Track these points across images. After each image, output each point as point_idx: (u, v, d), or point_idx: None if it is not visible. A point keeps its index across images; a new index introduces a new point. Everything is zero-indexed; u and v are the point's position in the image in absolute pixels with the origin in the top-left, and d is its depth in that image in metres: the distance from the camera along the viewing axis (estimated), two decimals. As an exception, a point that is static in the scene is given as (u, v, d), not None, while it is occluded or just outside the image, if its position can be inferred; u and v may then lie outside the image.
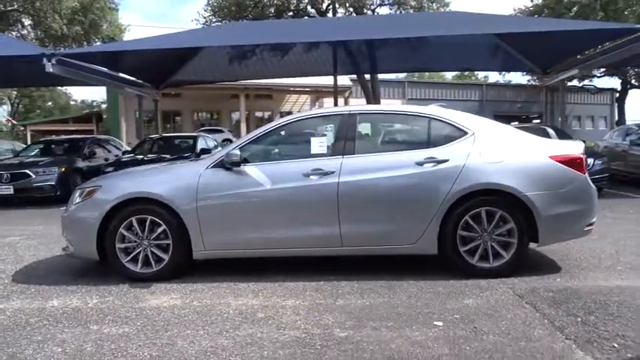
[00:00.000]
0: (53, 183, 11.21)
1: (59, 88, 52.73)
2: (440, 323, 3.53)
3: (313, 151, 4.86)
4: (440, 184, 4.54)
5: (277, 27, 15.80)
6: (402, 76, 40.55)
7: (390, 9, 28.70)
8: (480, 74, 58.32)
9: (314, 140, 4.92)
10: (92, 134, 25.95)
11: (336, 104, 16.55)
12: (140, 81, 16.05)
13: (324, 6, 28.41)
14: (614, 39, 11.97)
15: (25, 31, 29.18)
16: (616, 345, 3.11)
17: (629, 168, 12.33)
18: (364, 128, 5.31)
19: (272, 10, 27.99)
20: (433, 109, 5.01)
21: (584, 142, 5.27)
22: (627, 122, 30.75)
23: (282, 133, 5.16)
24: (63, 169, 11.47)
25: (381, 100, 28.98)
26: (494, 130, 4.90)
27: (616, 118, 40.35)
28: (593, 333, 3.31)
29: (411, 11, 27.62)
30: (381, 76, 27.80)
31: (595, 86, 39.48)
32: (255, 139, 4.96)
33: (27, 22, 28.96)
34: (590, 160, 9.88)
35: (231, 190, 4.69)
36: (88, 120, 40.02)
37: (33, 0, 26.25)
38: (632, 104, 70.30)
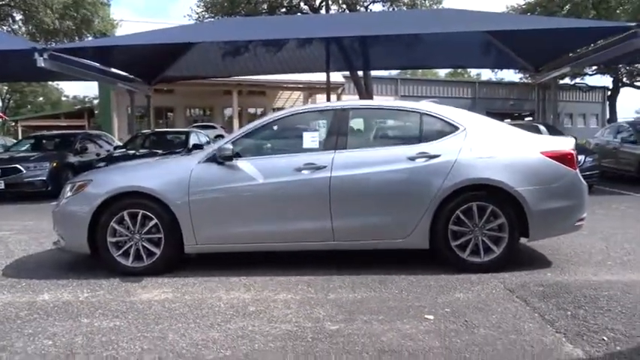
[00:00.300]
0: (44, 178, 11.12)
1: (50, 83, 52.45)
2: (431, 317, 3.55)
3: (305, 145, 4.86)
4: (431, 179, 4.56)
5: (270, 23, 15.76)
6: (394, 72, 40.53)
7: (383, 6, 28.72)
8: (473, 72, 58.51)
9: (306, 135, 4.92)
10: (84, 130, 25.81)
11: (328, 101, 16.54)
12: (132, 76, 15.95)
13: (317, 2, 28.40)
14: (606, 37, 12.03)
15: (16, 26, 28.99)
16: (605, 338, 3.14)
17: (619, 165, 12.41)
18: (356, 123, 5.31)
19: (265, 6, 27.94)
20: (425, 105, 5.02)
21: (575, 138, 5.30)
22: (619, 120, 30.92)
23: (275, 127, 5.15)
24: (54, 164, 11.38)
25: (374, 97, 28.97)
26: (486, 126, 4.92)
27: (607, 116, 40.58)
28: (582, 326, 3.33)
29: (404, 8, 27.63)
30: (373, 72, 27.74)
31: (587, 84, 39.73)
32: (247, 134, 4.96)
33: (18, 16, 28.79)
34: (582, 157, 9.95)
35: (223, 185, 4.69)
36: (79, 116, 39.76)
37: (24, -6, 26.13)
38: (623, 102, 70.69)
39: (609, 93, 40.51)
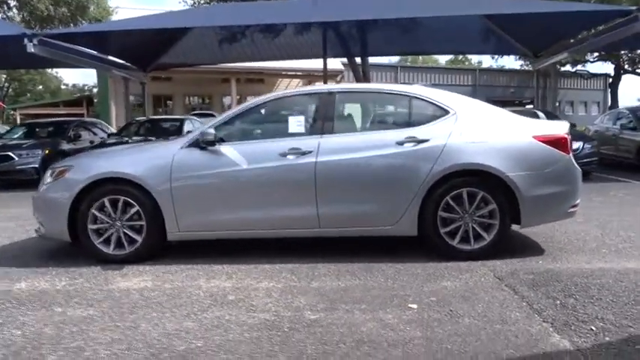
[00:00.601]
0: (36, 166, 10.98)
1: (49, 71, 52.13)
2: (415, 306, 3.43)
3: (291, 130, 4.72)
4: (420, 164, 4.42)
5: (267, 8, 15.51)
6: (394, 60, 40.29)
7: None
8: (474, 59, 58.10)
9: (292, 119, 4.78)
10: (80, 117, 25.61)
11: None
12: (127, 63, 15.74)
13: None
14: (607, 21, 11.80)
15: (10, 13, 28.70)
16: (594, 328, 3.02)
17: (618, 152, 12.25)
18: (343, 107, 5.18)
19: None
20: (414, 88, 4.88)
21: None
22: (620, 107, 30.68)
23: (260, 112, 5.01)
24: (47, 152, 11.25)
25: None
26: (477, 110, 4.77)
27: (609, 103, 40.25)
28: (571, 316, 3.21)
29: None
30: (373, 60, 27.42)
31: (588, 71, 39.29)
32: (231, 118, 4.83)
33: (12, 2, 28.48)
34: (580, 144, 9.80)
35: (206, 170, 4.56)
36: (78, 104, 39.45)
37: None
38: (625, 89, 70.29)
39: (611, 80, 40.08)
